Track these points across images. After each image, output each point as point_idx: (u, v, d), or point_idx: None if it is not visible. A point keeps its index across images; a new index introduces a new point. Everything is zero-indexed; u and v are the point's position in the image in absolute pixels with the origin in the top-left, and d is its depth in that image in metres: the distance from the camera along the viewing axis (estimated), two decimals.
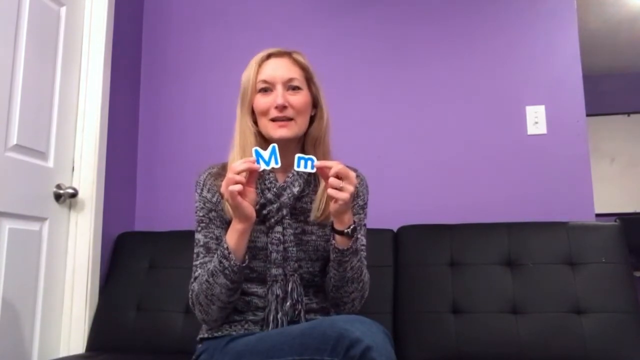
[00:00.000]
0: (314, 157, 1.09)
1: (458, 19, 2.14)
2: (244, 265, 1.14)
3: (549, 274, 1.68)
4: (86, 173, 1.90)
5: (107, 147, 1.98)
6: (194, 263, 1.23)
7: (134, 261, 1.93)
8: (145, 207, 2.19)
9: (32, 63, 1.72)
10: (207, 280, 1.15)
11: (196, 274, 1.21)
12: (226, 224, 1.23)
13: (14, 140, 1.64)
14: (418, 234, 1.84)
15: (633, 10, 3.87)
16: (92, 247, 1.88)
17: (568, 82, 2.03)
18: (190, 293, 1.21)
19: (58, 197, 1.82)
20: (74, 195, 1.85)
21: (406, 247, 1.82)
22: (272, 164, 1.09)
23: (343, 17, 2.20)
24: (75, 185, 1.89)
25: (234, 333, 1.20)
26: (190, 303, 1.22)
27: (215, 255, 1.15)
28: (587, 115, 2.01)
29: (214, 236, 1.23)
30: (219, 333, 1.22)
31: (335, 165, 1.09)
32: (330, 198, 1.11)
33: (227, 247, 1.12)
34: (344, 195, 1.08)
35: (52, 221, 1.80)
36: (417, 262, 1.78)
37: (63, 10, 1.89)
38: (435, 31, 2.14)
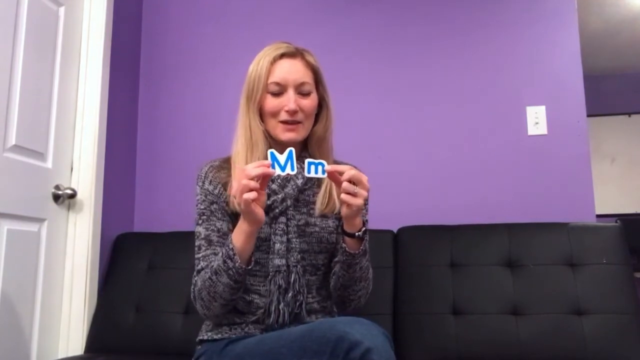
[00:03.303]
0: (324, 162, 1.08)
1: (458, 19, 2.13)
2: (249, 267, 1.14)
3: (550, 275, 1.67)
4: (85, 174, 1.90)
5: (106, 147, 1.98)
6: (196, 256, 1.23)
7: (132, 262, 1.92)
8: (144, 207, 2.19)
9: (30, 63, 1.72)
10: (210, 278, 1.14)
11: (198, 267, 1.21)
12: (228, 216, 1.23)
13: (12, 140, 1.64)
14: (418, 235, 1.83)
15: (633, 10, 3.86)
16: (91, 248, 1.87)
17: (569, 82, 2.02)
18: (192, 287, 1.21)
19: (57, 197, 1.82)
20: (72, 196, 1.85)
21: (406, 248, 1.81)
22: (288, 170, 1.06)
23: (343, 16, 2.20)
24: (74, 185, 1.88)
25: (233, 336, 1.20)
26: (192, 297, 1.21)
27: (220, 254, 1.14)
28: (588, 115, 2.00)
29: (215, 229, 1.23)
30: (219, 336, 1.21)
31: (347, 170, 1.07)
32: (343, 203, 1.09)
33: (233, 248, 1.11)
34: (358, 202, 1.08)
35: (51, 222, 1.80)
36: (418, 263, 1.77)
37: (62, 10, 1.88)
38: (436, 31, 2.14)
